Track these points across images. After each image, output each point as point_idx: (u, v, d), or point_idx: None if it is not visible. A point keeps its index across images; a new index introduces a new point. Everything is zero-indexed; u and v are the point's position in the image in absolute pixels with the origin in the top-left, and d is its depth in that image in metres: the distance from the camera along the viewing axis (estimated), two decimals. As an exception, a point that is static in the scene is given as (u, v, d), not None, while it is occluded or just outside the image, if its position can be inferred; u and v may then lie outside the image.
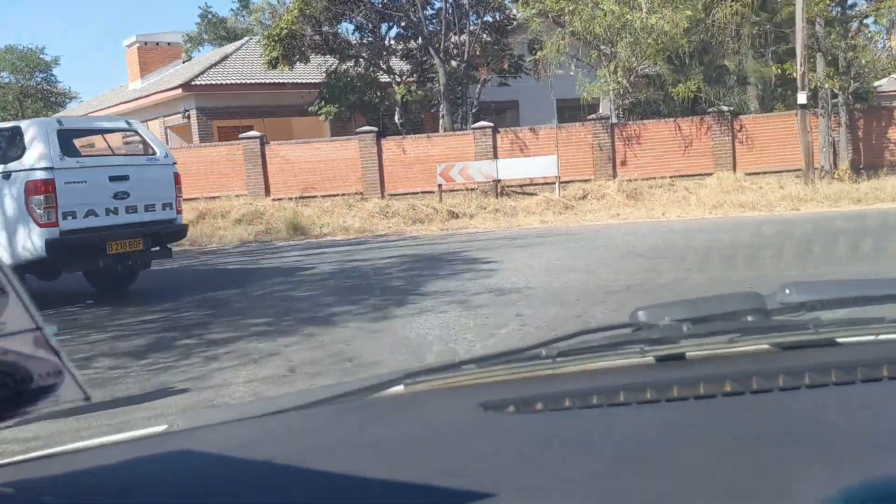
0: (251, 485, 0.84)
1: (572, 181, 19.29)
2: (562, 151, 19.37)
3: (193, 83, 23.43)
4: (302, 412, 1.07)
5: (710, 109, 20.62)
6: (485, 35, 22.32)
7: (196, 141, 23.21)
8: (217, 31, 49.28)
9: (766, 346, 1.13)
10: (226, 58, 26.22)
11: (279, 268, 10.37)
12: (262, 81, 24.07)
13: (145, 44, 30.09)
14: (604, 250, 10.62)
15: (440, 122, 24.43)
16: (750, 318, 1.13)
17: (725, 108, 20.37)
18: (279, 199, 19.20)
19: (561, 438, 0.90)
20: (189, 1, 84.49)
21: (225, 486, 0.85)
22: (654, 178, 19.73)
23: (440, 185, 18.56)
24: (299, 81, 24.18)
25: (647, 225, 14.05)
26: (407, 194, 19.79)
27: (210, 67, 24.94)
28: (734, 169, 20.49)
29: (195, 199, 19.41)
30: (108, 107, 27.44)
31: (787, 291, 1.15)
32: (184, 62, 30.70)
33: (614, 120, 20.70)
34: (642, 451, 0.83)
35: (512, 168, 18.24)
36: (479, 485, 0.78)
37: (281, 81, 23.99)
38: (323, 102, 22.49)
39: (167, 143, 24.63)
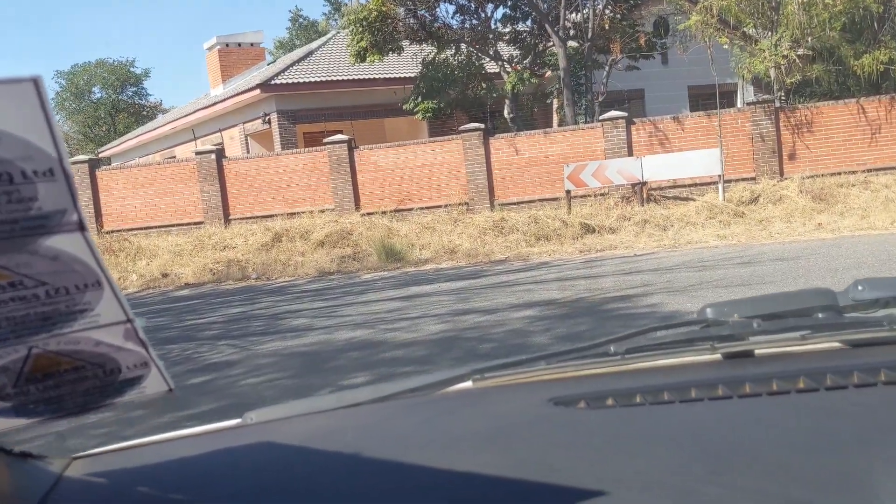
0: (329, 476, 0.84)
1: (730, 180, 15.32)
2: (712, 143, 15.41)
3: (273, 82, 20.54)
4: (373, 406, 1.06)
5: (903, 85, 16.24)
6: (608, 10, 18.50)
7: (278, 148, 20.30)
8: (309, 35, 47.03)
9: (837, 344, 1.11)
10: (310, 54, 23.30)
11: (357, 332, 6.67)
12: (350, 78, 20.99)
13: (226, 45, 27.56)
14: None
15: (554, 117, 20.84)
16: (821, 315, 1.11)
17: (925, 83, 15.96)
18: (370, 214, 15.95)
19: (633, 433, 0.88)
20: (280, 5, 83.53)
21: (303, 477, 0.85)
22: (838, 173, 15.54)
23: (568, 192, 14.83)
24: (392, 76, 21.07)
25: (884, 240, 9.94)
26: (522, 203, 16.24)
27: (292, 65, 22.05)
28: (934, 159, 16.06)
29: (273, 216, 16.44)
30: (187, 114, 24.96)
31: (860, 288, 1.13)
32: (269, 64, 28.08)
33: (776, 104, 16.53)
34: (716, 447, 0.82)
35: (661, 166, 14.32)
36: (552, 478, 0.77)
37: (371, 77, 20.92)
38: (419, 98, 19.21)
39: (247, 152, 21.94)
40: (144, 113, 45.70)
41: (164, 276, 12.74)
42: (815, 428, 0.84)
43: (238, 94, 21.48)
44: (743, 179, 15.84)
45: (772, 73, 16.80)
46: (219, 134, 23.08)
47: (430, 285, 9.39)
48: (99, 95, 45.24)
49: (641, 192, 14.29)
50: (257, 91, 20.44)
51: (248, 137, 22.50)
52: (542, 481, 0.77)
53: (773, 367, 1.01)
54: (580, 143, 16.49)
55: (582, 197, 15.23)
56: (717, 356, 1.08)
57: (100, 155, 32.17)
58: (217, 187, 17.37)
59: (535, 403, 0.98)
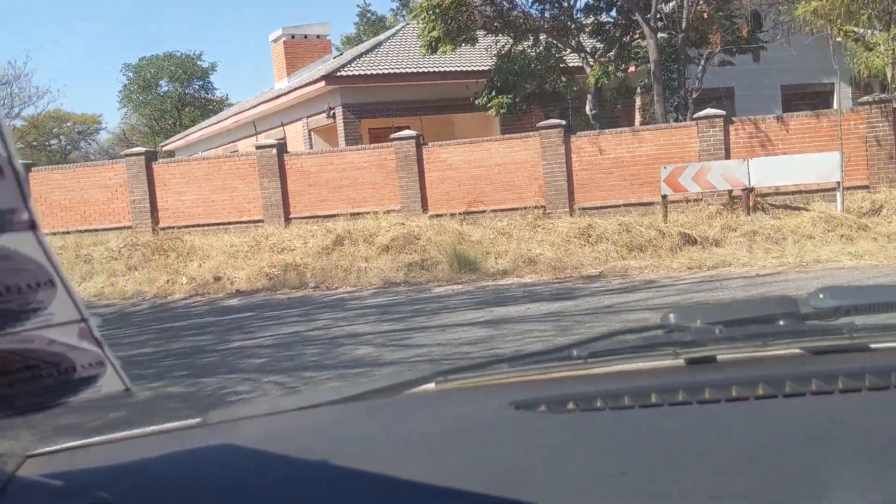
0: (289, 476, 0.83)
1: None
2: (820, 147, 13.70)
3: (338, 74, 19.44)
4: (335, 407, 1.04)
5: None
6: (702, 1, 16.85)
7: (342, 144, 19.19)
8: (376, 30, 46.15)
9: (798, 351, 1.11)
10: (378, 45, 22.16)
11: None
12: (420, 70, 19.76)
13: (292, 37, 26.70)
14: None
15: (636, 115, 19.27)
16: (783, 323, 1.10)
17: None
18: (438, 216, 14.67)
19: (592, 438, 0.88)
20: (349, 2, 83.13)
21: (262, 479, 0.83)
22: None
23: (665, 197, 13.29)
24: (464, 69, 19.77)
25: None
26: (605, 208, 14.79)
27: (359, 57, 20.93)
28: None
29: (335, 216, 15.27)
30: (250, 108, 24.09)
31: (821, 296, 1.11)
32: (335, 57, 27.10)
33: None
34: (675, 451, 0.82)
35: (770, 171, 12.67)
36: (511, 480, 0.77)
37: (442, 70, 19.65)
38: (493, 93, 17.85)
39: (310, 147, 20.90)
40: (210, 107, 45.36)
41: (217, 279, 11.66)
42: (773, 434, 0.83)
43: (302, 87, 20.47)
44: (856, 187, 14.11)
45: (888, 70, 15.00)
46: (281, 128, 22.11)
47: (516, 306, 8.01)
48: (166, 88, 45.07)
49: (748, 199, 12.65)
50: (322, 83, 19.36)
51: (312, 132, 21.48)
52: (501, 484, 0.76)
53: (733, 374, 1.00)
54: (672, 144, 14.96)
55: (674, 203, 13.69)
56: (680, 361, 1.08)
57: (164, 148, 31.69)
58: (277, 184, 16.33)
59: (496, 407, 0.96)
